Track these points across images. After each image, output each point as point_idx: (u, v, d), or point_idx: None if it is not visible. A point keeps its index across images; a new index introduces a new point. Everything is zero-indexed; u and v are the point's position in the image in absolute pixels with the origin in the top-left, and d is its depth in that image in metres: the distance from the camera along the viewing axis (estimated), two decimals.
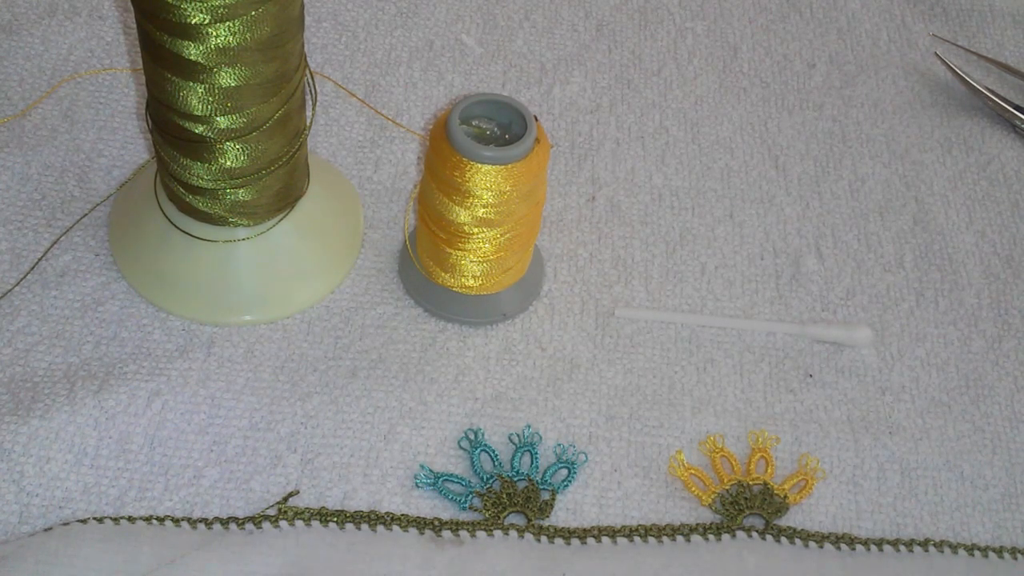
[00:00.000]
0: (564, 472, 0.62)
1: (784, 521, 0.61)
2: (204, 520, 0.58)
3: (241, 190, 0.61)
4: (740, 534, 0.60)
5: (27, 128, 0.72)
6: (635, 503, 0.61)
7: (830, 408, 0.66)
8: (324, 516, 0.58)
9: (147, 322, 0.65)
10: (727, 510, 0.61)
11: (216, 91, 0.56)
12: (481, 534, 0.59)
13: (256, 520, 0.58)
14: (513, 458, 0.62)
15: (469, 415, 0.63)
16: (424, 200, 0.64)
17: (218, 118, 0.57)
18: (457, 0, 0.83)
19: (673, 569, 0.58)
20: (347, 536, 0.58)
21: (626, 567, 0.58)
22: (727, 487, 0.62)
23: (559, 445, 0.63)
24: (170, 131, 0.59)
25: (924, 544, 0.61)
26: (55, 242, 0.67)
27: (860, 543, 0.61)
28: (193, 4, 0.53)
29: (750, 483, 0.62)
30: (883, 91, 0.82)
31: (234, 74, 0.56)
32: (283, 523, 0.58)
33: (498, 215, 0.61)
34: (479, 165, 0.60)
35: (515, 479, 0.61)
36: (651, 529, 0.60)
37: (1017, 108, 0.80)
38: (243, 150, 0.59)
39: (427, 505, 0.60)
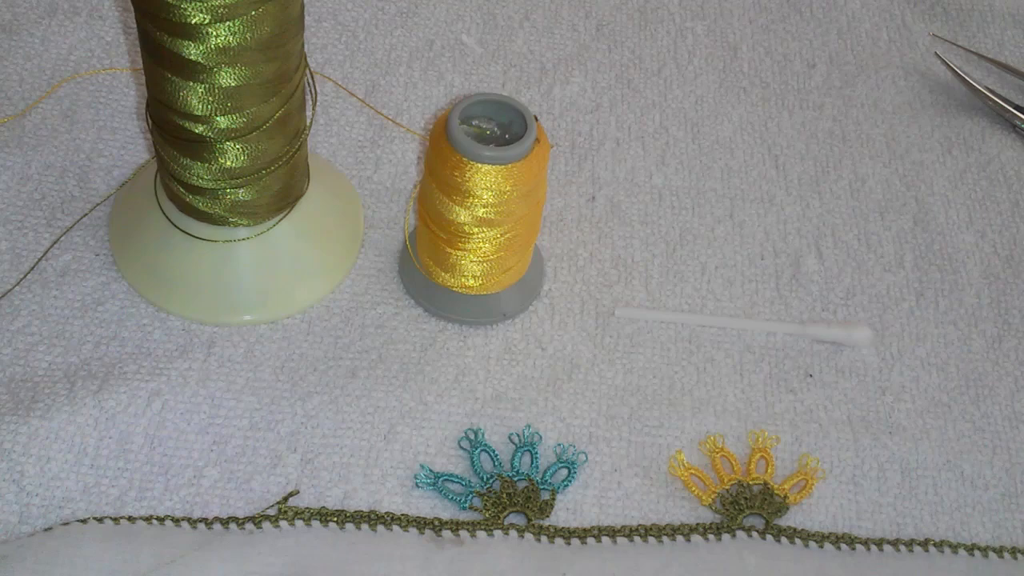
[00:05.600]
0: (564, 472, 0.62)
1: (784, 521, 0.61)
2: (204, 520, 0.58)
3: (241, 190, 0.61)
4: (740, 534, 0.60)
5: (27, 128, 0.72)
6: (635, 503, 0.61)
7: (830, 408, 0.66)
8: (324, 516, 0.58)
9: (147, 322, 0.65)
10: (727, 510, 0.61)
11: (216, 91, 0.56)
12: (481, 534, 0.59)
13: (256, 520, 0.58)
14: (513, 458, 0.62)
15: (469, 415, 0.63)
16: (424, 200, 0.64)
17: (218, 118, 0.57)
18: (457, 0, 0.83)
19: (673, 569, 0.58)
20: (347, 536, 0.58)
21: (626, 567, 0.58)
22: (727, 487, 0.62)
23: (559, 445, 0.63)
24: (170, 131, 0.59)
25: (924, 544, 0.61)
26: (55, 242, 0.67)
27: (860, 543, 0.61)
28: (193, 4, 0.53)
29: (750, 483, 0.62)
30: (883, 91, 0.82)
31: (234, 74, 0.56)
32: (283, 523, 0.58)
33: (498, 215, 0.61)
34: (479, 165, 0.60)
35: (515, 479, 0.61)
36: (651, 529, 0.60)
37: (1017, 108, 0.80)
38: (243, 150, 0.59)
39: (427, 505, 0.60)
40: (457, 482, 0.61)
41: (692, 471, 0.63)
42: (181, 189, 0.62)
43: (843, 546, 0.60)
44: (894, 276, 0.72)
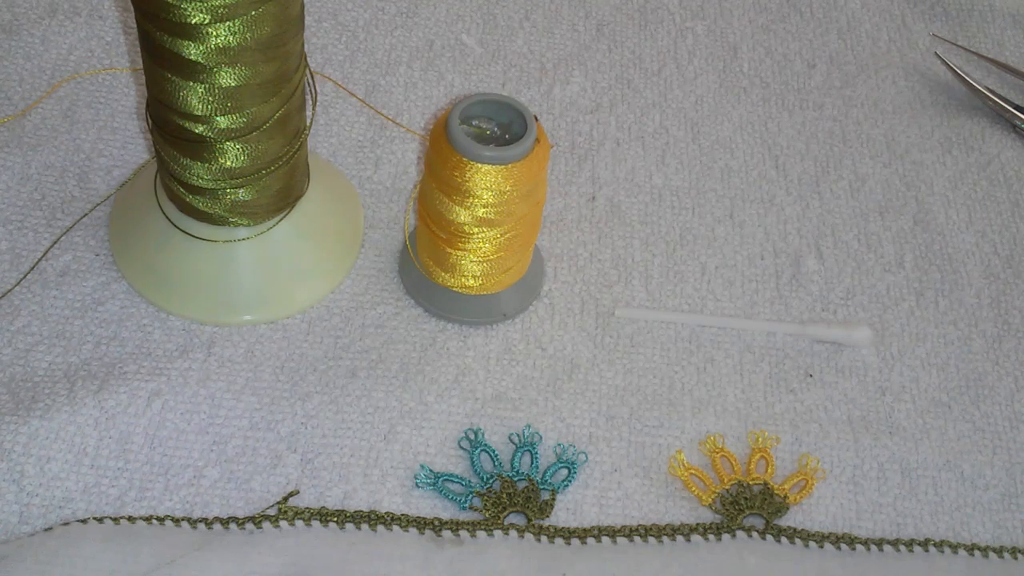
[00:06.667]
0: (564, 472, 0.62)
1: (784, 521, 0.61)
2: (204, 520, 0.58)
3: (241, 190, 0.61)
4: (740, 534, 0.60)
5: (27, 128, 0.72)
6: (635, 503, 0.61)
7: (830, 408, 0.66)
8: (324, 516, 0.58)
9: (147, 322, 0.65)
10: (727, 510, 0.61)
11: (216, 91, 0.56)
12: (481, 534, 0.59)
13: (256, 520, 0.58)
14: (513, 458, 0.62)
15: (469, 415, 0.63)
16: (424, 200, 0.64)
17: (218, 118, 0.57)
18: (457, 0, 0.83)
19: (673, 569, 0.58)
20: (347, 536, 0.58)
21: (626, 567, 0.58)
22: (727, 487, 0.62)
23: (559, 445, 0.63)
24: (170, 131, 0.59)
25: (924, 544, 0.61)
26: (55, 242, 0.67)
27: (860, 543, 0.61)
28: (193, 4, 0.53)
29: (750, 483, 0.62)
30: (883, 91, 0.82)
31: (234, 74, 0.56)
32: (283, 523, 0.58)
33: (498, 215, 0.62)
34: (479, 165, 0.60)
35: (515, 479, 0.61)
36: (651, 529, 0.60)
37: (1017, 108, 0.80)
38: (243, 150, 0.59)
39: (427, 505, 0.60)
40: (457, 482, 0.61)
41: (692, 471, 0.62)
42: (181, 189, 0.62)
43: (843, 546, 0.60)
44: (894, 276, 0.72)
